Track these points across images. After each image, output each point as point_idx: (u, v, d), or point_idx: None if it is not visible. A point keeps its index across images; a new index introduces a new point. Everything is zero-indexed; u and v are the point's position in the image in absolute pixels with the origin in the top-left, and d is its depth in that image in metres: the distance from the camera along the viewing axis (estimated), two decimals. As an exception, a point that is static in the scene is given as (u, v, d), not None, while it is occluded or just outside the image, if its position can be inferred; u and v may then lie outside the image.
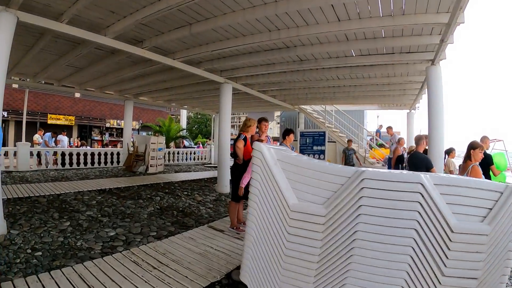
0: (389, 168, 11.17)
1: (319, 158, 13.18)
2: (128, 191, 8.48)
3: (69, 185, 8.72)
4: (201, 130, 46.83)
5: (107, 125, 26.60)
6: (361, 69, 8.79)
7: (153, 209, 6.82)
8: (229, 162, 9.57)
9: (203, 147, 25.39)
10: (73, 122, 23.29)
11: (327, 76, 9.83)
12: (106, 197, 7.55)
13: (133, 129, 27.34)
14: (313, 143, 13.23)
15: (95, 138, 25.92)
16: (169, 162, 17.13)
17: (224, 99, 9.34)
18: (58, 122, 21.69)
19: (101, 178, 10.42)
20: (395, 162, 11.16)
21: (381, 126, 17.93)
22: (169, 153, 17.43)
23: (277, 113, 20.53)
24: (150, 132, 22.68)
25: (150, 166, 12.92)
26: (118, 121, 26.61)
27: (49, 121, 20.99)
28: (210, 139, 31.09)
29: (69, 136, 22.77)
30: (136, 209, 6.71)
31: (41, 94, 21.17)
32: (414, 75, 9.49)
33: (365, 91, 11.88)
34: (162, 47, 7.21)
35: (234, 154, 5.43)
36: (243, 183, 4.88)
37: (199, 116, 48.45)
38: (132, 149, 13.69)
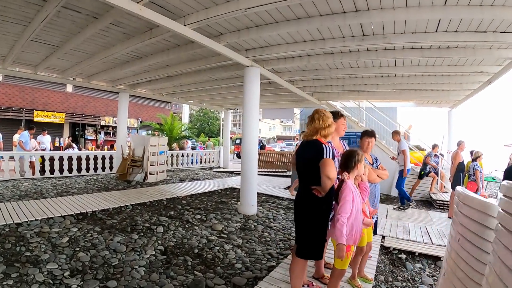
0: (399, 181, 8.73)
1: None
2: (118, 216, 6.09)
3: (38, 206, 6.29)
4: (203, 128, 44.73)
5: (102, 123, 24.14)
6: (434, 52, 6.54)
7: (154, 253, 4.45)
8: (256, 171, 7.24)
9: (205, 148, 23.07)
10: (63, 119, 20.77)
11: (384, 62, 7.55)
12: (84, 229, 5.16)
13: (130, 128, 25.04)
14: (349, 146, 10.78)
15: (89, 137, 23.44)
16: (171, 166, 14.69)
17: (251, 88, 6.96)
18: (46, 120, 19.20)
19: (85, 194, 7.96)
20: (456, 171, 8.92)
21: (410, 126, 15.60)
22: (172, 156, 14.99)
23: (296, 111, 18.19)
24: (150, 131, 20.10)
25: (150, 174, 10.53)
26: (115, 119, 24.16)
27: (36, 119, 18.51)
28: (209, 139, 28.76)
29: (59, 135, 20.41)
30: (128, 254, 4.34)
31: (28, 88, 18.69)
32: (487, 64, 7.45)
33: (415, 84, 9.63)
34: (167, 4, 4.81)
35: (305, 179, 3.08)
36: (342, 235, 2.57)
37: (201, 114, 46.33)
38: (127, 152, 11.31)
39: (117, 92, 12.28)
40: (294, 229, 6.07)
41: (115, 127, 24.61)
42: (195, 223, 5.94)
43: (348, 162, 2.97)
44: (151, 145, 10.51)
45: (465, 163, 8.76)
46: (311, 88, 10.91)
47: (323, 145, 2.99)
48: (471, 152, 8.84)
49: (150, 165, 10.56)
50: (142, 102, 25.84)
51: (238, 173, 14.49)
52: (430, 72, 8.22)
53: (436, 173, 11.18)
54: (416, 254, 5.14)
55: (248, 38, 5.91)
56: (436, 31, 5.59)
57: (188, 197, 8.29)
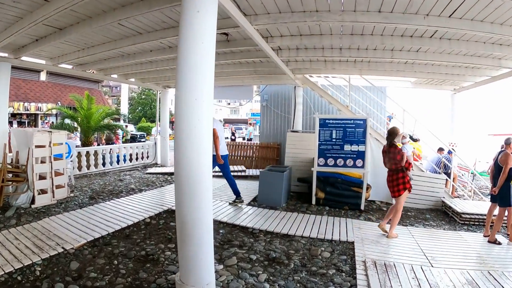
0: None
1: (355, 166, 7.37)
2: None
3: None
4: (145, 112, 40.04)
5: (11, 110, 18.66)
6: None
7: None
8: (211, 209, 3.57)
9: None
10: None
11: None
12: None
13: (48, 115, 19.99)
14: (344, 140, 7.39)
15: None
16: (88, 170, 10.28)
17: (198, 23, 3.04)
18: None
19: None
20: (506, 179, 5.79)
21: (393, 113, 12.73)
22: (87, 154, 10.40)
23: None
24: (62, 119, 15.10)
25: (40, 194, 6.45)
26: (27, 105, 19.03)
27: None
28: (126, 126, 24.44)
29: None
30: None
31: None
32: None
33: (440, 60, 7.04)
34: None
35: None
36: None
37: (143, 97, 41.39)
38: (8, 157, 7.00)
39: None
40: None
41: (30, 115, 19.51)
42: None
43: None
44: (36, 146, 6.37)
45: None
46: (292, 52, 7.30)
47: None
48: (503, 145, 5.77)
49: (39, 178, 6.48)
50: (65, 81, 20.78)
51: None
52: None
53: (447, 174, 8.83)
54: None
55: None
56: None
57: (88, 247, 4.46)
